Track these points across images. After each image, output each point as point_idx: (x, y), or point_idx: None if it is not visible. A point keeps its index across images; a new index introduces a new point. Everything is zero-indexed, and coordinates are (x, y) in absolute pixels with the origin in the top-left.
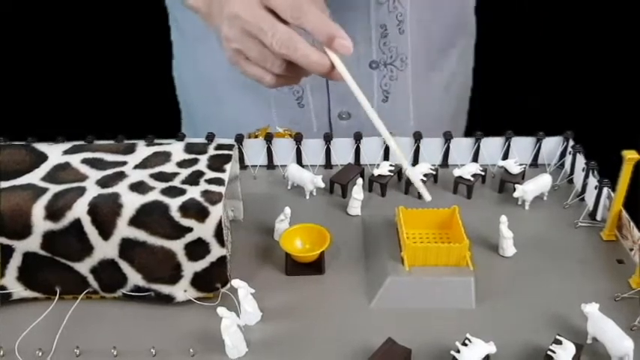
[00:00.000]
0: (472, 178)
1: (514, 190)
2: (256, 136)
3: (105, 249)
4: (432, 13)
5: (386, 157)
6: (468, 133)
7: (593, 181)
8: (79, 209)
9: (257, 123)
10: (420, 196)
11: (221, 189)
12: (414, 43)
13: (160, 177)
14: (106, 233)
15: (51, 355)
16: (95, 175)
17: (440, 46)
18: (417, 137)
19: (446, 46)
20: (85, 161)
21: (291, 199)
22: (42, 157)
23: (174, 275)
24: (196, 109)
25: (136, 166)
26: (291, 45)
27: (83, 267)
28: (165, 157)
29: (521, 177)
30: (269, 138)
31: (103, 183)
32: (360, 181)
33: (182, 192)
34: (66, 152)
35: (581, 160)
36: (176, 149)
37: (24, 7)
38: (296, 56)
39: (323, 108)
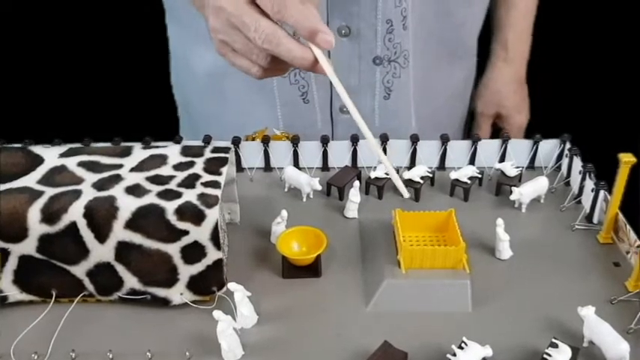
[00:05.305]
0: (469, 181)
1: (511, 192)
2: (253, 139)
3: (101, 252)
4: (434, 10)
5: None
6: (468, 134)
7: (589, 184)
8: (75, 212)
9: (261, 119)
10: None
11: (217, 192)
12: (416, 40)
13: (156, 180)
14: (101, 236)
15: (46, 358)
16: (91, 178)
17: (441, 44)
18: (414, 140)
19: (448, 45)
20: (81, 164)
21: (288, 202)
22: (38, 160)
23: (170, 278)
24: (197, 108)
25: (132, 169)
26: (274, 40)
27: (79, 270)
28: (161, 159)
29: (518, 180)
30: (266, 140)
31: (99, 186)
32: (357, 183)
33: (178, 195)
34: (62, 155)
35: (577, 163)
36: (172, 152)
37: (23, 8)
38: (279, 51)
39: (326, 102)
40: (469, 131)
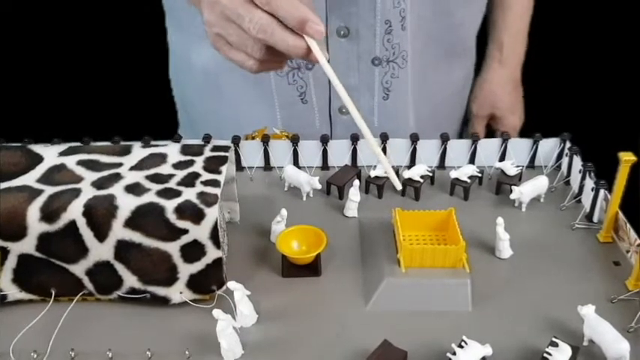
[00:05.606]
0: (469, 180)
1: (511, 191)
2: (253, 138)
3: (100, 251)
4: (432, 10)
5: None
6: (461, 135)
7: (589, 183)
8: (75, 211)
9: (259, 120)
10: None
11: (217, 191)
12: (415, 40)
13: (156, 179)
14: (101, 235)
15: (46, 357)
16: (91, 176)
17: (440, 44)
18: (414, 139)
19: (446, 45)
20: (80, 163)
21: (288, 201)
22: (37, 159)
23: (169, 277)
24: (196, 108)
25: (132, 168)
26: (269, 30)
27: (78, 269)
28: (161, 158)
29: (518, 179)
30: (266, 139)
31: (98, 185)
32: (356, 182)
33: (178, 194)
34: (61, 154)
35: (577, 162)
36: (172, 151)
37: (23, 8)
38: (274, 40)
39: (324, 103)
40: (463, 132)
